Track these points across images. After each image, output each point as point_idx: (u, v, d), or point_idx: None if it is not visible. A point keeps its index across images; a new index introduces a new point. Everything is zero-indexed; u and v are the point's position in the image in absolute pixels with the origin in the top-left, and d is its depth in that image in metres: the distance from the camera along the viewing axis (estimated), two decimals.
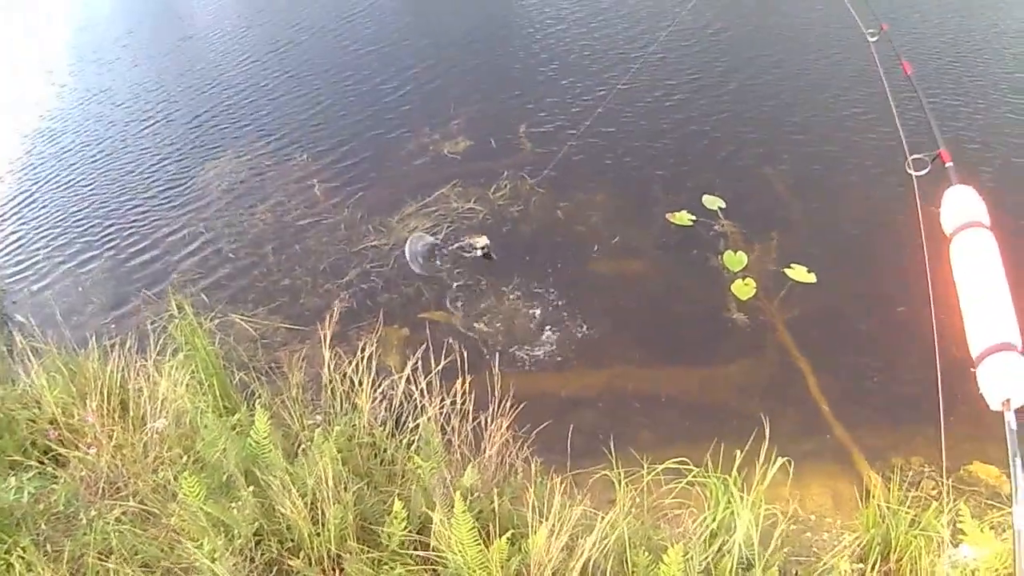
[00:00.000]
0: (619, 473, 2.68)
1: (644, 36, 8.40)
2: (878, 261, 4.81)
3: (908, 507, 2.77)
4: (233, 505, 2.76)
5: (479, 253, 4.96)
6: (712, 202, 5.66)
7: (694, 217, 5.52)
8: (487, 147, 6.42)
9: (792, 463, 2.72)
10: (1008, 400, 1.37)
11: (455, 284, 4.94)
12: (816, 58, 7.95)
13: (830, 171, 6.11)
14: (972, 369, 1.42)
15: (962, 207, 1.66)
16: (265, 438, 2.94)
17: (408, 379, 3.11)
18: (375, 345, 3.18)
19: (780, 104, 7.10)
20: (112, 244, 5.84)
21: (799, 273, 5.00)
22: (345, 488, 2.81)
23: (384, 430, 3.16)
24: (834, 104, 7.02)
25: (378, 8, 9.96)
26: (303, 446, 3.18)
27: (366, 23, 9.52)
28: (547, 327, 4.61)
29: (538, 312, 4.72)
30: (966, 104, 6.59)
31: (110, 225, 6.06)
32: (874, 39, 3.38)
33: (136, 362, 3.50)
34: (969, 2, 9.07)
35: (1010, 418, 1.35)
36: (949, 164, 1.90)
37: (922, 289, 4.83)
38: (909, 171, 2.16)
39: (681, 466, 2.72)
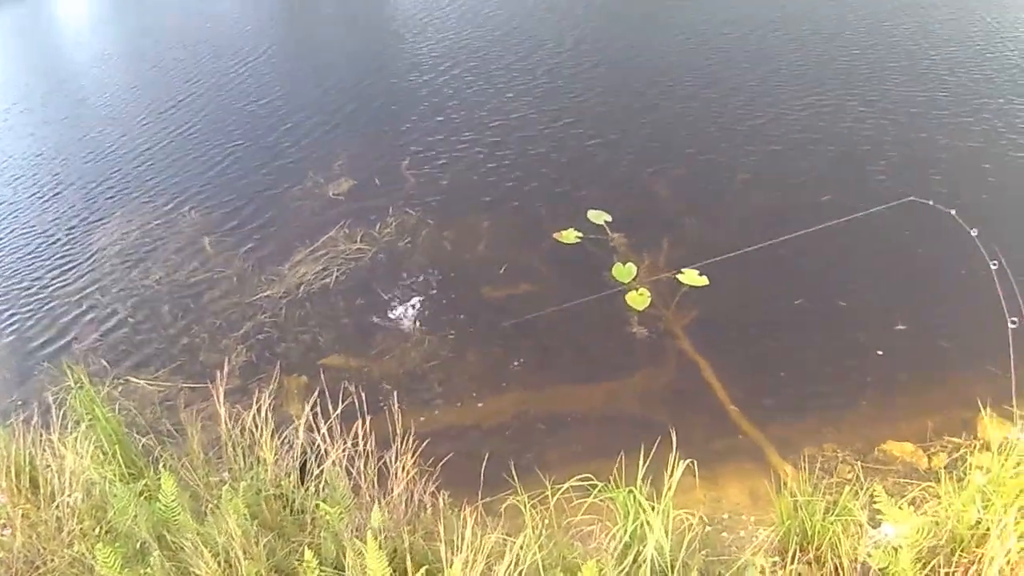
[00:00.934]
0: (524, 498, 2.68)
1: (520, 63, 8.74)
2: (767, 258, 4.92)
3: (824, 494, 2.86)
4: (147, 572, 2.68)
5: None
6: (598, 216, 5.77)
7: (581, 234, 5.63)
8: (371, 185, 6.51)
9: (697, 465, 2.78)
10: None
11: (351, 327, 4.96)
12: (690, 64, 8.45)
13: (710, 174, 6.37)
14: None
15: None
16: (173, 501, 2.92)
17: (311, 426, 3.04)
18: (274, 396, 3.13)
19: (659, 115, 7.44)
20: (9, 321, 5.69)
21: (691, 277, 5.12)
22: (256, 543, 2.79)
23: (290, 480, 3.08)
24: (713, 109, 7.42)
25: (257, 61, 9.92)
26: (211, 505, 3.11)
27: (246, 76, 9.46)
28: (444, 359, 4.66)
29: (434, 345, 4.76)
30: None
31: (5, 304, 5.85)
32: None
33: (42, 437, 3.47)
34: None
35: None
36: None
37: (818, 281, 5.13)
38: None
39: (586, 483, 2.74)
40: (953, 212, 3.16)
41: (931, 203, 4.13)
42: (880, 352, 4.37)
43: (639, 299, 4.98)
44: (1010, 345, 2.33)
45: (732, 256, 4.85)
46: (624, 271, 5.24)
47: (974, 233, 2.82)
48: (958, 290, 4.92)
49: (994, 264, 2.68)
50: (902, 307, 4.80)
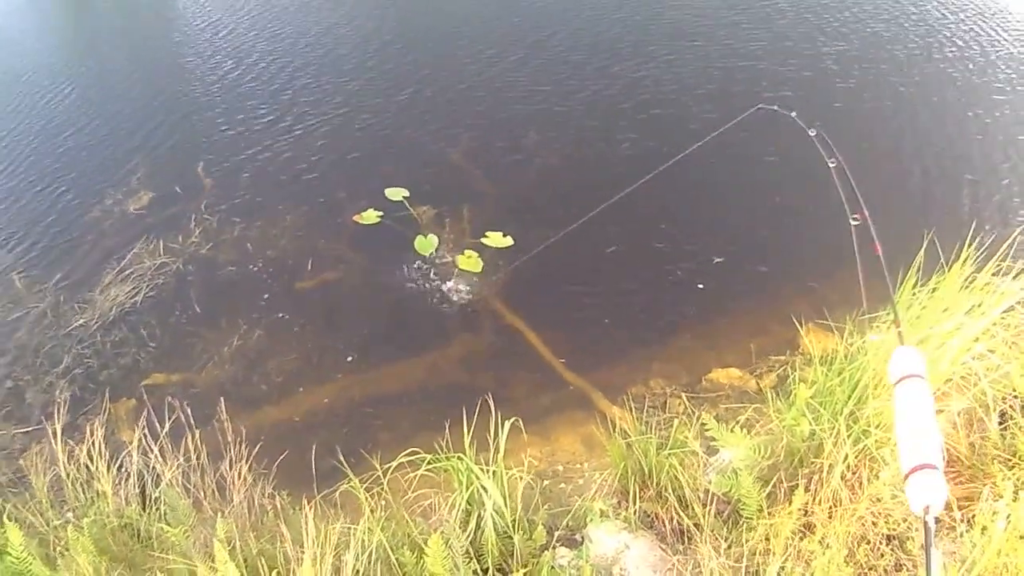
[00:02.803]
0: (356, 483, 2.64)
1: (304, 57, 8.70)
2: (567, 213, 5.07)
3: (656, 430, 2.89)
4: None
5: None
6: (396, 193, 5.88)
7: (381, 213, 5.74)
8: (172, 194, 6.42)
9: (526, 422, 2.78)
10: (929, 507, 1.70)
11: (168, 342, 4.94)
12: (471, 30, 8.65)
13: (502, 134, 6.56)
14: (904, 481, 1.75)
15: (907, 362, 2.05)
16: (22, 551, 2.86)
17: (145, 449, 2.94)
18: (104, 426, 3.02)
19: (442, 84, 7.58)
20: None
21: (495, 239, 5.29)
22: None
23: (133, 507, 2.99)
24: (497, 70, 7.66)
25: (31, 82, 9.39)
26: (60, 548, 3.02)
27: (23, 99, 8.96)
28: (264, 358, 4.72)
29: (252, 346, 4.81)
30: None
31: None
32: None
33: None
34: None
35: (929, 519, 1.67)
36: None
37: (636, 226, 5.24)
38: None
39: (415, 457, 2.71)
40: (794, 114, 3.19)
41: (776, 108, 4.17)
42: (701, 285, 4.51)
43: (470, 262, 5.14)
44: (854, 241, 2.38)
45: (528, 214, 5.13)
46: (426, 243, 5.40)
47: (812, 133, 2.84)
48: (800, 195, 5.28)
49: (832, 163, 2.73)
50: (725, 233, 5.14)
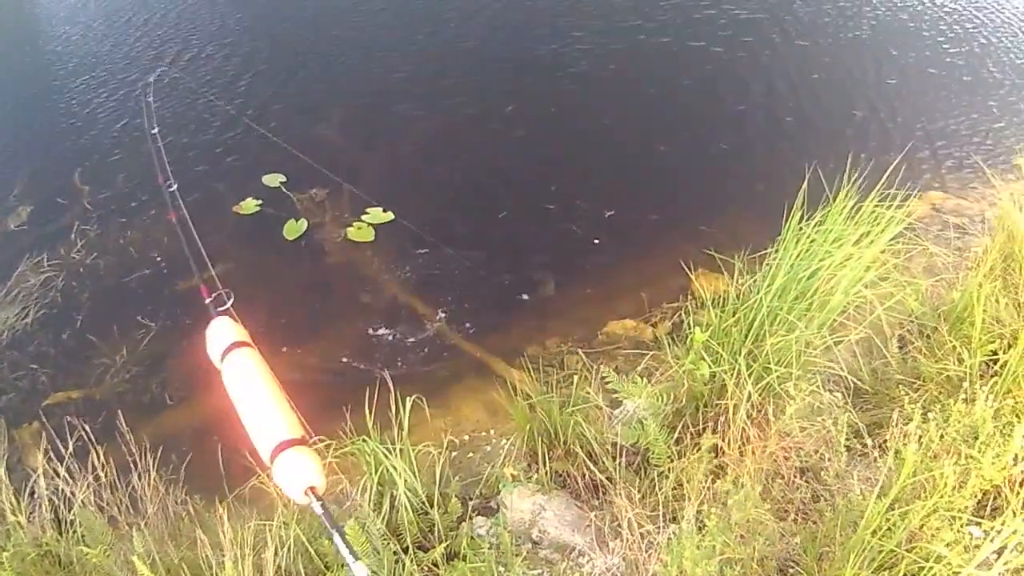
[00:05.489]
0: (264, 477, 2.67)
1: (163, 43, 8.65)
2: (450, 181, 5.25)
3: (557, 389, 2.95)
4: None
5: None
6: (272, 180, 5.97)
7: (260, 201, 5.81)
8: (51, 205, 6.35)
9: (426, 398, 2.82)
10: (313, 487, 1.51)
11: (62, 358, 4.94)
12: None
13: (371, 109, 6.72)
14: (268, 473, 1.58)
15: (223, 334, 1.91)
16: None
17: (52, 473, 2.93)
18: (7, 454, 2.99)
19: (309, 65, 7.63)
20: None
21: (376, 216, 5.44)
22: None
23: (49, 534, 2.98)
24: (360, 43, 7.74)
25: None
26: None
27: None
28: (154, 362, 4.77)
29: (142, 352, 4.84)
30: None
31: None
32: None
33: None
34: None
35: (316, 505, 1.49)
36: (208, 300, 2.19)
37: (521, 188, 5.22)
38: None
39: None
40: None
41: None
42: (597, 241, 4.67)
43: (361, 232, 5.28)
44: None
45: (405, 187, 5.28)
46: (294, 227, 5.50)
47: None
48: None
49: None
50: (616, 186, 5.36)
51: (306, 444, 1.61)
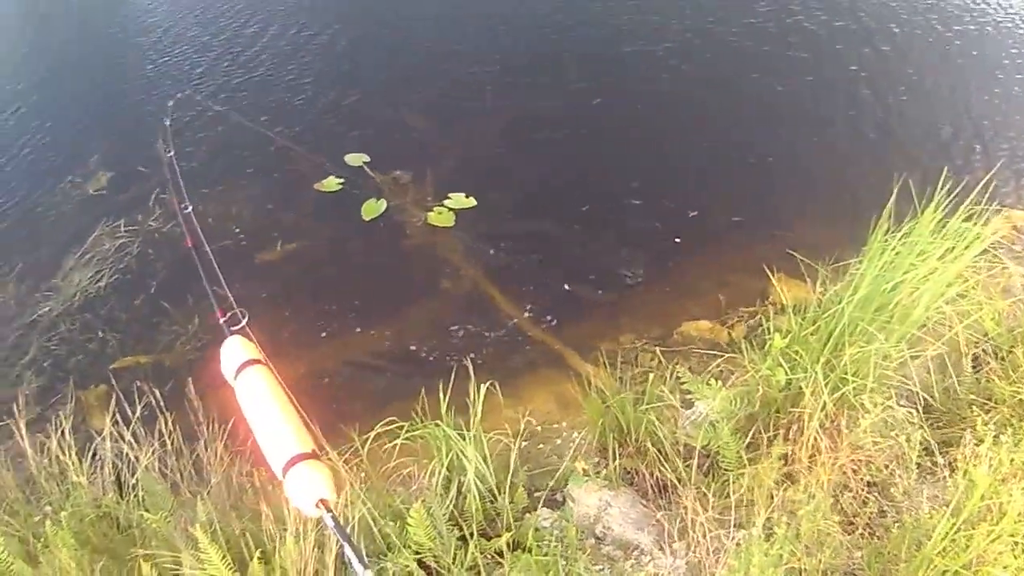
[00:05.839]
0: (335, 455, 2.66)
1: (260, 24, 8.67)
2: (533, 171, 5.22)
3: (631, 386, 2.93)
4: None
5: None
6: (356, 159, 5.97)
7: (342, 180, 5.81)
8: (131, 173, 6.41)
9: (500, 385, 2.80)
10: (323, 500, 1.53)
11: (134, 324, 4.96)
12: None
13: (459, 94, 6.68)
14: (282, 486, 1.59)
15: (237, 353, 1.94)
16: (2, 552, 2.86)
17: (117, 436, 2.95)
18: (73, 415, 3.03)
19: (398, 46, 7.71)
20: None
21: (459, 201, 5.40)
22: (91, 571, 2.80)
23: (110, 496, 3.00)
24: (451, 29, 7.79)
25: None
26: (40, 545, 3.03)
27: None
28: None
29: (218, 324, 4.72)
30: None
31: None
32: None
33: None
34: None
35: (327, 517, 1.50)
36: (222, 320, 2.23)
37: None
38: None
39: (393, 427, 2.74)
40: None
41: None
42: (678, 240, 4.64)
43: (441, 217, 5.26)
44: None
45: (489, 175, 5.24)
46: (373, 207, 5.48)
47: None
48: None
49: None
50: (700, 186, 5.30)
51: (317, 458, 1.63)
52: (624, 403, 2.93)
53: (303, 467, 1.58)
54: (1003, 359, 3.30)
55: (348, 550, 1.46)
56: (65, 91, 8.32)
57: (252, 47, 8.05)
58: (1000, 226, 3.81)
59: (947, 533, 2.33)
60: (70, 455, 3.12)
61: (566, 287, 4.60)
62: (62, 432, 3.14)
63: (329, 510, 1.53)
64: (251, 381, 1.87)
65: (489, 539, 2.80)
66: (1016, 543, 2.31)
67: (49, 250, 5.77)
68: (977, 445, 2.76)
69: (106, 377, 4.46)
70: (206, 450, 2.98)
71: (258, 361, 1.92)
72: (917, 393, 3.11)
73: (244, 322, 2.23)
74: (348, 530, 2.41)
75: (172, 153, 3.40)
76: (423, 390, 2.84)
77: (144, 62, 8.32)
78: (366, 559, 1.50)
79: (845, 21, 7.17)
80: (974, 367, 3.31)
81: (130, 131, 7.08)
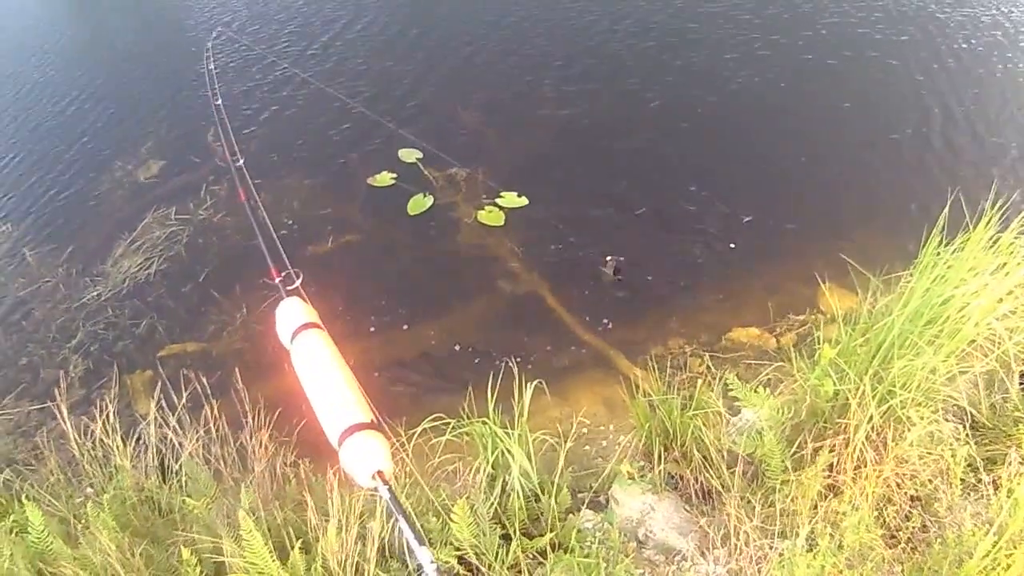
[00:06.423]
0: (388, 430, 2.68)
1: (317, 23, 8.79)
2: (586, 172, 5.26)
3: (679, 390, 2.92)
4: None
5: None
6: (409, 155, 6.01)
7: (395, 175, 5.85)
8: (184, 161, 6.53)
9: (547, 384, 2.81)
10: (380, 472, 1.47)
11: (182, 312, 5.02)
12: None
13: (514, 95, 6.76)
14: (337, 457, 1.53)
15: (293, 315, 1.86)
16: (43, 531, 2.93)
17: (162, 422, 2.98)
18: (118, 399, 3.06)
19: (455, 47, 7.73)
20: None
21: (510, 200, 5.42)
22: (132, 554, 2.83)
23: (152, 481, 3.03)
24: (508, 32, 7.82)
25: (42, 59, 9.47)
26: (81, 526, 3.07)
27: (32, 75, 9.07)
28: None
29: (264, 314, 4.77)
30: None
31: None
32: None
33: None
34: None
35: (383, 489, 1.45)
36: (277, 280, 2.17)
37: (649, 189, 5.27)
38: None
39: (439, 423, 2.75)
40: None
41: None
42: (733, 245, 4.64)
43: (491, 216, 5.28)
44: None
45: (542, 174, 5.28)
46: (419, 203, 5.52)
47: None
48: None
49: None
50: (754, 193, 5.27)
51: (375, 428, 1.58)
52: (671, 407, 2.92)
53: (361, 436, 1.52)
54: None
55: (404, 525, 1.41)
56: (123, 81, 8.41)
57: (312, 42, 8.12)
58: None
59: (989, 551, 2.32)
60: (114, 439, 3.15)
61: (614, 290, 4.60)
62: (107, 415, 3.18)
63: (386, 482, 1.49)
64: (309, 345, 1.79)
65: (531, 538, 2.80)
66: None
67: (99, 235, 5.85)
68: (1022, 463, 2.74)
69: (152, 363, 4.51)
70: (250, 439, 3.00)
71: (315, 325, 1.84)
72: (964, 409, 3.09)
73: (298, 282, 2.18)
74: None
75: (219, 101, 3.21)
76: (470, 388, 2.85)
77: (199, 53, 8.36)
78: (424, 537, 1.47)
79: (910, 36, 7.16)
80: (1021, 385, 3.29)
81: (179, 122, 7.17)
